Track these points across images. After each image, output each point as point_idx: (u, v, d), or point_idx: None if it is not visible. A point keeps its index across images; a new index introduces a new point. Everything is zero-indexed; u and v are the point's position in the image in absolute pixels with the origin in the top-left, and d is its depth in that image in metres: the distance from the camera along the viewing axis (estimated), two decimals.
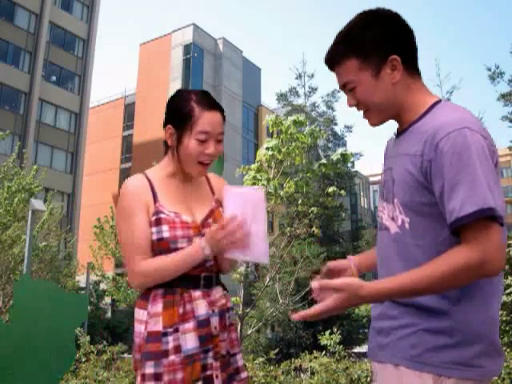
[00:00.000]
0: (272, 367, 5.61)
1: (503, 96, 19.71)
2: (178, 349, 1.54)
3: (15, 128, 26.07)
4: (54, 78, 30.34)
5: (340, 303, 1.24)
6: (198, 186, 1.78)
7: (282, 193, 8.57)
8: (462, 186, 1.20)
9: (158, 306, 1.58)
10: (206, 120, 1.63)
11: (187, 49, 36.25)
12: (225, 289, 1.75)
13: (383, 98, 1.41)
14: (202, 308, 1.61)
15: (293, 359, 5.96)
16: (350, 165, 31.20)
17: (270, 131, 8.99)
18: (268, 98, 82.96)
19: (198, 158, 1.65)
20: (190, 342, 1.56)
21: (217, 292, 1.68)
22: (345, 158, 9.17)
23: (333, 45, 1.45)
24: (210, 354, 1.59)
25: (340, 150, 9.77)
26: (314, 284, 1.27)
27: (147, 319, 1.58)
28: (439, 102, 1.39)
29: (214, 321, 1.62)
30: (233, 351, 1.69)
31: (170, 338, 1.54)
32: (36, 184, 15.77)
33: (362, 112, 1.49)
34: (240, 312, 9.04)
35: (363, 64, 1.39)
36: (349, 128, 34.49)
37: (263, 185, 8.21)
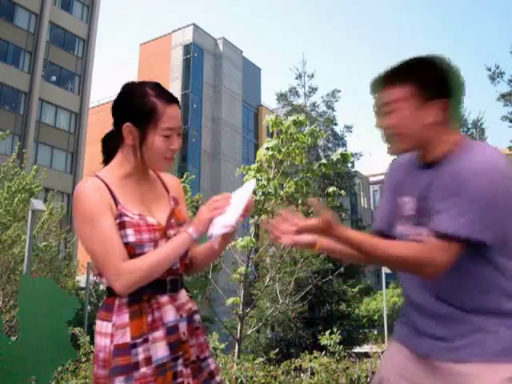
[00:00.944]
0: (272, 367, 5.61)
1: (503, 96, 19.69)
2: (148, 360, 1.46)
3: (15, 128, 26.05)
4: (53, 78, 30.33)
5: (317, 228, 1.49)
6: (152, 186, 1.69)
7: (282, 193, 8.57)
8: (468, 211, 1.39)
9: (125, 317, 1.49)
10: (169, 116, 1.56)
11: (187, 49, 36.24)
12: (187, 291, 1.68)
13: (416, 130, 1.51)
14: (170, 314, 1.54)
15: (293, 359, 5.97)
16: (349, 165, 31.17)
17: (270, 131, 9.00)
18: (268, 98, 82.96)
19: (164, 155, 1.58)
20: (160, 350, 1.48)
21: (182, 295, 1.62)
22: (345, 157, 9.17)
23: (392, 69, 1.55)
24: (180, 361, 1.52)
25: (340, 150, 9.78)
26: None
27: (113, 331, 1.48)
28: (465, 140, 1.52)
29: (182, 326, 1.56)
30: (203, 355, 1.63)
31: (140, 349, 1.46)
32: (36, 184, 15.77)
33: (385, 136, 1.58)
34: (240, 312, 9.05)
35: (415, 95, 1.49)
36: (349, 128, 34.44)
37: (263, 185, 8.21)
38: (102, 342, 1.50)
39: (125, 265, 1.46)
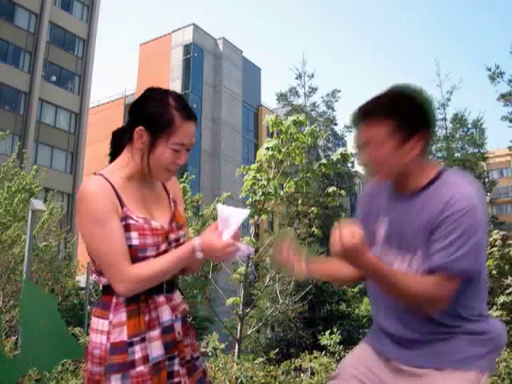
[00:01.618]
0: (272, 367, 5.61)
1: (503, 96, 19.72)
2: (145, 359, 1.47)
3: (15, 128, 26.05)
4: (53, 78, 30.32)
5: (344, 249, 1.43)
6: (153, 188, 1.68)
7: (282, 193, 8.56)
8: (462, 244, 1.46)
9: (122, 315, 1.50)
10: (184, 131, 1.54)
11: (187, 49, 36.24)
12: (180, 292, 1.70)
13: (398, 165, 1.55)
14: (166, 314, 1.56)
15: (293, 359, 5.97)
16: (349, 165, 31.19)
17: (270, 131, 8.99)
18: (268, 98, 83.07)
19: (168, 167, 1.57)
20: (155, 350, 1.50)
21: (177, 296, 1.64)
22: (345, 158, 9.16)
23: (372, 103, 1.56)
24: (176, 360, 1.54)
25: (340, 150, 9.77)
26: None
27: (109, 329, 1.49)
28: (443, 170, 1.58)
29: (178, 326, 1.58)
30: (195, 355, 1.66)
31: (137, 348, 1.47)
32: (36, 184, 15.75)
33: (367, 170, 1.62)
34: (240, 312, 9.05)
35: (397, 130, 1.51)
36: (349, 128, 34.47)
37: (263, 185, 8.21)
38: (97, 339, 1.51)
39: (131, 269, 1.47)
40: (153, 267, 1.49)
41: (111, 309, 1.51)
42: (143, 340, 1.49)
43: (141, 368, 1.45)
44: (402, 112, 1.52)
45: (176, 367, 1.54)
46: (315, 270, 1.77)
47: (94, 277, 1.59)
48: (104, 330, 1.50)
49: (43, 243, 14.92)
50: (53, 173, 25.09)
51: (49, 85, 29.43)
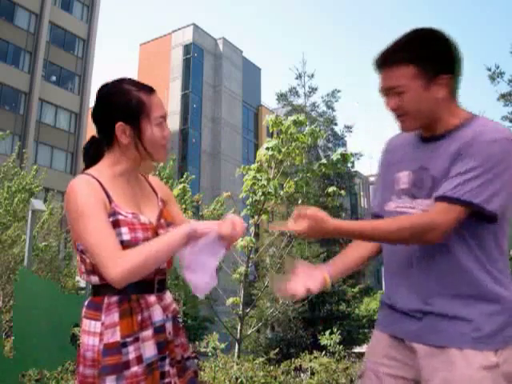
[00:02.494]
0: (272, 367, 5.62)
1: (503, 96, 19.68)
2: (139, 359, 1.46)
3: (15, 128, 26.05)
4: (54, 78, 30.33)
5: (308, 230, 1.49)
6: (141, 186, 1.69)
7: (282, 193, 8.56)
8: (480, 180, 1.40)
9: (114, 316, 1.48)
10: (156, 104, 1.59)
11: (187, 49, 36.25)
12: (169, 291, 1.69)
13: (426, 108, 1.51)
14: (157, 314, 1.55)
15: (293, 359, 5.97)
16: (349, 165, 31.17)
17: (270, 131, 8.98)
18: (268, 98, 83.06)
19: (161, 142, 1.60)
20: (148, 350, 1.49)
21: (168, 296, 1.63)
22: (345, 158, 9.16)
23: (392, 47, 1.52)
24: (167, 360, 1.53)
25: (340, 150, 9.77)
26: (295, 211, 1.53)
27: (102, 330, 1.47)
28: (476, 115, 1.53)
29: (169, 326, 1.58)
30: (186, 355, 1.65)
31: (131, 348, 1.46)
32: (36, 184, 15.76)
33: (396, 115, 1.57)
34: (240, 312, 9.04)
35: (419, 74, 1.48)
36: (349, 128, 34.47)
37: (263, 185, 8.21)
38: (90, 341, 1.48)
39: (122, 253, 1.44)
40: (145, 251, 1.46)
41: (103, 309, 1.49)
42: (137, 340, 1.48)
43: (135, 368, 1.45)
44: (422, 54, 1.48)
45: (167, 367, 1.53)
46: (337, 273, 1.73)
47: (83, 277, 1.57)
48: (96, 332, 1.48)
49: (43, 243, 14.92)
50: (53, 173, 25.07)
51: (49, 85, 29.43)
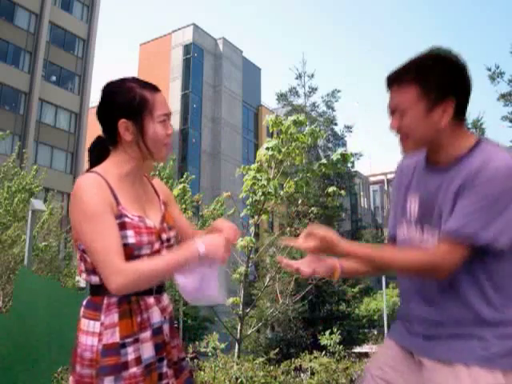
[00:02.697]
0: (272, 367, 5.62)
1: (503, 96, 19.66)
2: (138, 360, 1.46)
3: (15, 128, 26.04)
4: (54, 78, 30.32)
5: (318, 250, 1.54)
6: (145, 188, 1.68)
7: (282, 193, 8.56)
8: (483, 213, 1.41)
9: (114, 316, 1.47)
10: (160, 102, 1.59)
11: (187, 49, 36.25)
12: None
13: (426, 133, 1.50)
14: (156, 315, 1.55)
15: (293, 359, 5.98)
16: (349, 165, 31.18)
17: (270, 131, 8.98)
18: (268, 98, 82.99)
19: (163, 141, 1.59)
20: (147, 351, 1.49)
21: (165, 298, 1.63)
22: (345, 158, 9.16)
23: (402, 67, 1.53)
24: (165, 362, 1.54)
25: (340, 150, 9.77)
26: (307, 229, 1.56)
27: (101, 331, 1.46)
28: (482, 140, 1.51)
29: (166, 328, 1.58)
30: (181, 356, 1.66)
31: (130, 349, 1.45)
32: (36, 184, 15.77)
33: (398, 137, 1.57)
34: (240, 312, 9.04)
35: (422, 96, 1.47)
36: (349, 128, 34.46)
37: (263, 185, 8.22)
38: (88, 341, 1.47)
39: (126, 264, 1.43)
40: (150, 264, 1.48)
41: (103, 310, 1.48)
42: (136, 341, 1.47)
43: (134, 369, 1.44)
44: (428, 76, 1.47)
45: (164, 369, 1.53)
46: (348, 270, 1.73)
47: (82, 277, 1.56)
48: (95, 332, 1.47)
49: (43, 243, 14.92)
50: (53, 173, 25.09)
51: (49, 85, 29.43)
